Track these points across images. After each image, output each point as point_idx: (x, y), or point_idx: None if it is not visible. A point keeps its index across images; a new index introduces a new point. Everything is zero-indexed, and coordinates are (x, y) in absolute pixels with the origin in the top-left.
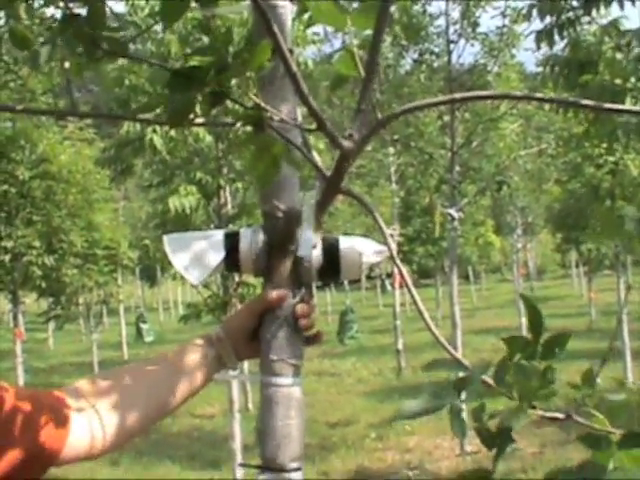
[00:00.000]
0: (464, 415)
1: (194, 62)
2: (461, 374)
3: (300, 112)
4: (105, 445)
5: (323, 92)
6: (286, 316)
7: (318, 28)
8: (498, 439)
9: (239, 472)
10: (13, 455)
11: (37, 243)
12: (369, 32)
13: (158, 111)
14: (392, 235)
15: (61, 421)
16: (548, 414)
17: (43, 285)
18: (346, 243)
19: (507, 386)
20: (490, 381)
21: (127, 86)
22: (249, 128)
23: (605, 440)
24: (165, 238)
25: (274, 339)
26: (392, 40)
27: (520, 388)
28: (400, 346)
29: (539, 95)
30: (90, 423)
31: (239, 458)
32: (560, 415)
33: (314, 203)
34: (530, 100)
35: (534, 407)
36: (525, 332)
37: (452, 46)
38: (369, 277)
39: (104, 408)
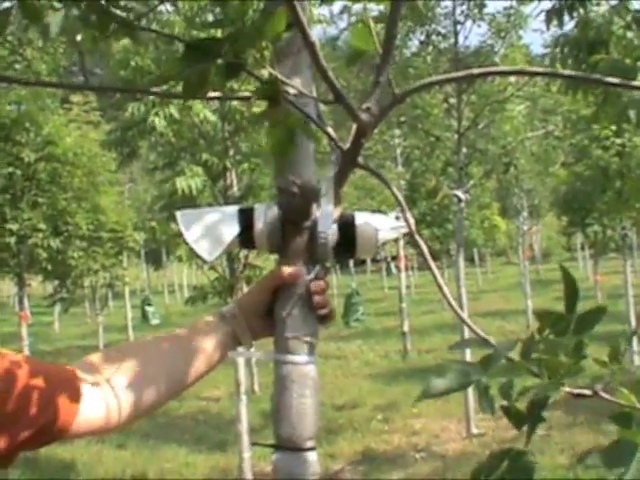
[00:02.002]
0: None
1: (209, 34)
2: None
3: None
4: (120, 420)
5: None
6: (301, 293)
7: (324, 9)
8: (529, 417)
9: (246, 454)
10: (24, 434)
11: (43, 226)
12: (381, 7)
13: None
14: (398, 217)
15: (73, 395)
16: (575, 391)
17: (49, 268)
18: (362, 219)
19: (535, 362)
20: (516, 358)
21: (132, 67)
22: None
23: (637, 418)
24: (178, 214)
25: (289, 316)
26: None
27: (549, 364)
28: (406, 328)
29: (559, 70)
30: (105, 397)
31: (246, 441)
32: (587, 392)
33: (332, 177)
34: (548, 76)
35: (562, 384)
36: (531, 315)
37: (459, 27)
38: (374, 260)
39: (119, 382)
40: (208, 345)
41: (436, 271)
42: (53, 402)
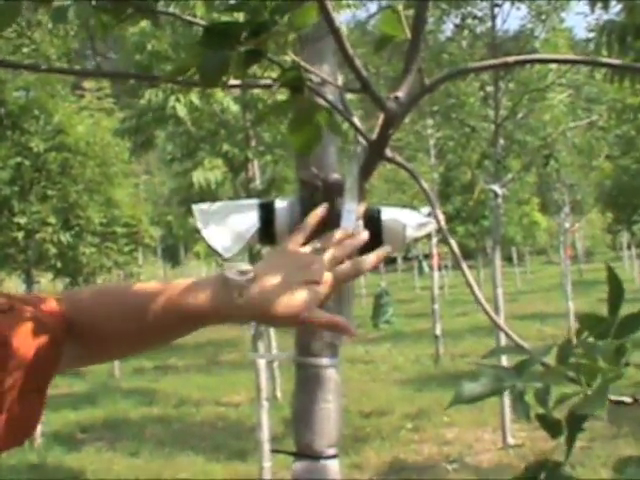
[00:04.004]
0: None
1: (229, 18)
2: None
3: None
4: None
5: (358, 60)
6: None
7: None
8: (568, 428)
9: (267, 463)
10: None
11: (52, 220)
12: None
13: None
14: (430, 214)
15: (52, 340)
16: (615, 398)
17: (59, 265)
18: (388, 214)
19: (572, 368)
20: (552, 364)
21: (149, 52)
22: (286, 91)
23: None
24: (195, 207)
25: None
26: (432, 3)
27: (587, 369)
28: (438, 332)
29: (603, 59)
30: (80, 334)
31: (266, 449)
32: (627, 399)
33: (357, 171)
34: (591, 65)
35: (607, 397)
36: (573, 318)
37: (497, 10)
38: (406, 258)
39: (96, 316)
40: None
41: (467, 270)
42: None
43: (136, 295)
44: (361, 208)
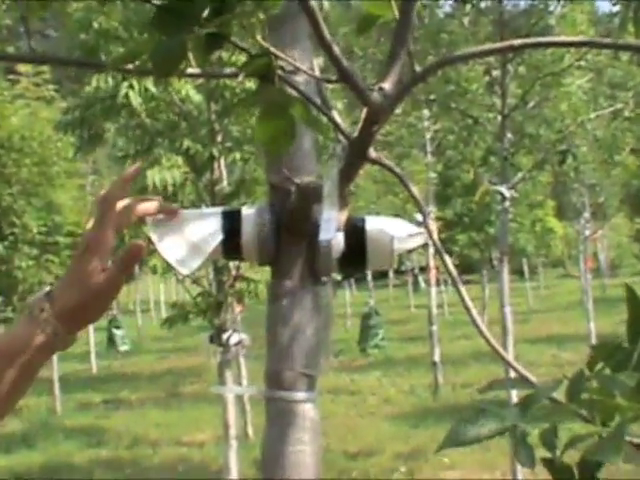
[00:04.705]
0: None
1: None
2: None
3: (316, 63)
4: None
5: (342, 41)
6: (298, 308)
7: None
8: (580, 475)
9: None
10: None
11: None
12: None
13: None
14: (421, 222)
15: None
16: (636, 440)
17: None
18: (374, 224)
19: (585, 404)
20: (561, 400)
21: (95, 30)
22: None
23: None
24: (149, 218)
25: (282, 340)
26: None
27: (602, 406)
28: (437, 357)
29: (629, 41)
30: None
31: None
32: None
33: (337, 174)
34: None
35: (623, 441)
36: (595, 341)
37: None
38: (398, 271)
39: None
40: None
41: (462, 288)
42: None
43: None
44: (342, 216)
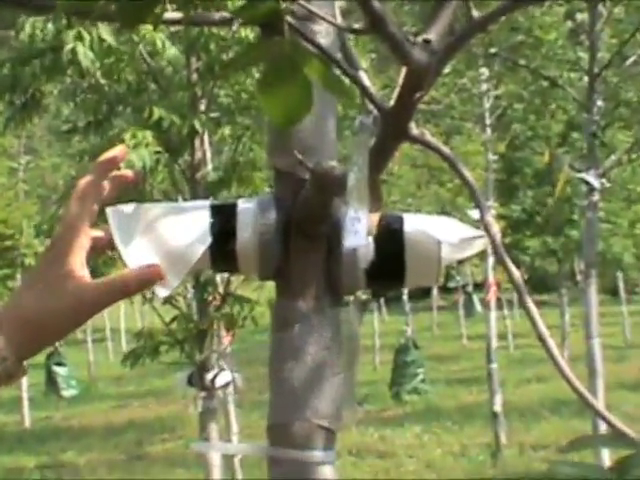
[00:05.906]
0: None
1: None
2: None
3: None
4: None
5: None
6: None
7: None
8: None
9: None
10: None
11: None
12: None
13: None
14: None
15: None
16: None
17: None
18: (414, 225)
19: None
20: None
21: None
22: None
23: None
24: (110, 212)
25: (291, 380)
26: None
27: None
28: (498, 407)
29: None
30: None
31: None
32: None
33: (366, 157)
34: None
35: None
36: None
37: None
38: (445, 288)
39: None
40: None
41: (534, 311)
42: None
43: None
44: (374, 215)
